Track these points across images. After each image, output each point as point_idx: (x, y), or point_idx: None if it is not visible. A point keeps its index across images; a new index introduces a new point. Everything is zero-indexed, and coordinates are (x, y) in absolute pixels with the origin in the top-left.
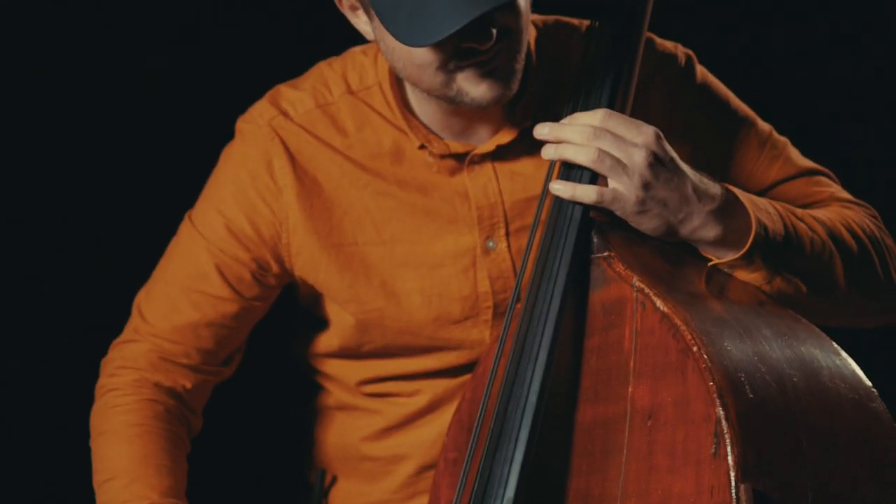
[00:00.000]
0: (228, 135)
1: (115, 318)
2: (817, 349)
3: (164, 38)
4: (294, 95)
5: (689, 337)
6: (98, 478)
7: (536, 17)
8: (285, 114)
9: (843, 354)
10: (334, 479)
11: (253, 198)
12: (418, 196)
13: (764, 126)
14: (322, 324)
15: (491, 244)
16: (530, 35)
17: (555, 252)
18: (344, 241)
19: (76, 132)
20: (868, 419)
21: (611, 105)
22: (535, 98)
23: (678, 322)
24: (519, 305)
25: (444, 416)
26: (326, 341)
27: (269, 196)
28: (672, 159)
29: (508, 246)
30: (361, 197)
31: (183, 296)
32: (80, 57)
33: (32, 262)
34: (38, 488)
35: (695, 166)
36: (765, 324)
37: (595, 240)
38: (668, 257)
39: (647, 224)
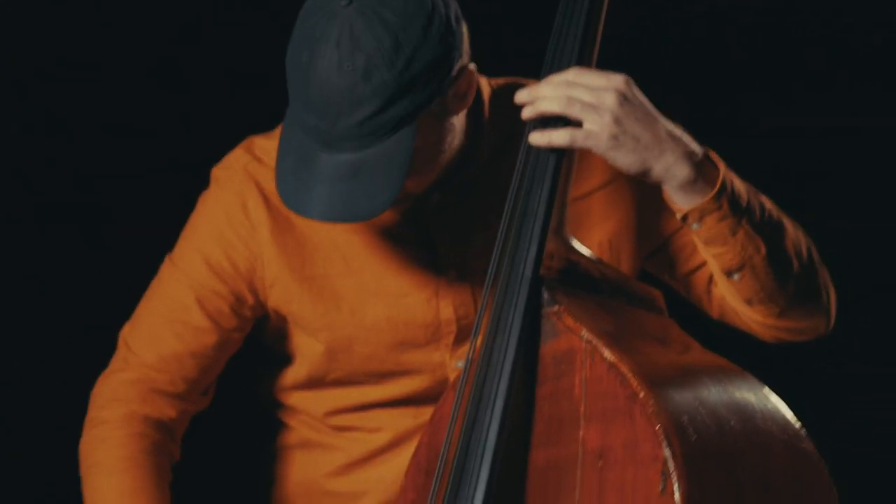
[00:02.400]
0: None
1: (115, 320)
2: (750, 394)
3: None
4: (267, 144)
5: (636, 384)
6: None
7: (492, 79)
8: (259, 160)
9: (774, 397)
10: None
11: (229, 236)
12: (384, 232)
13: None
14: (287, 358)
15: (452, 275)
16: (484, 96)
17: (508, 306)
18: (315, 274)
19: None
20: (798, 458)
21: (580, 63)
22: (489, 149)
23: (625, 370)
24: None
25: (404, 455)
26: (294, 373)
27: (245, 233)
28: (642, 103)
29: (469, 276)
30: (331, 233)
31: (167, 328)
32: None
33: (32, 262)
34: (37, 489)
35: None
36: (702, 371)
37: (545, 295)
38: (612, 311)
39: (623, 159)
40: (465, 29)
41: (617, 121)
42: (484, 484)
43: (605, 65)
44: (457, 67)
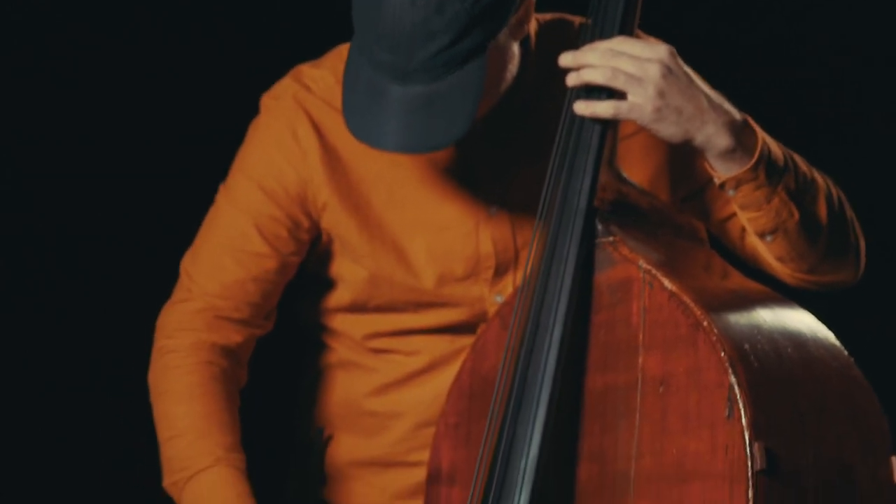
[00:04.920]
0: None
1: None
2: (800, 321)
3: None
4: (315, 73)
5: (699, 312)
6: (162, 435)
7: (538, 15)
8: (308, 88)
9: (823, 327)
10: (330, 437)
11: (280, 162)
12: (428, 165)
13: None
14: (332, 283)
15: (493, 210)
16: (531, 29)
17: (563, 237)
18: (361, 204)
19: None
20: (849, 385)
21: (622, 32)
22: (533, 84)
23: (686, 299)
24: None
25: (441, 378)
26: (337, 297)
27: (295, 160)
28: (686, 73)
29: (509, 212)
30: (376, 165)
31: (228, 256)
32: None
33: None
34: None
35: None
36: (753, 299)
37: (599, 226)
38: (662, 241)
39: (666, 131)
40: None
41: (661, 94)
42: (545, 406)
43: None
44: None
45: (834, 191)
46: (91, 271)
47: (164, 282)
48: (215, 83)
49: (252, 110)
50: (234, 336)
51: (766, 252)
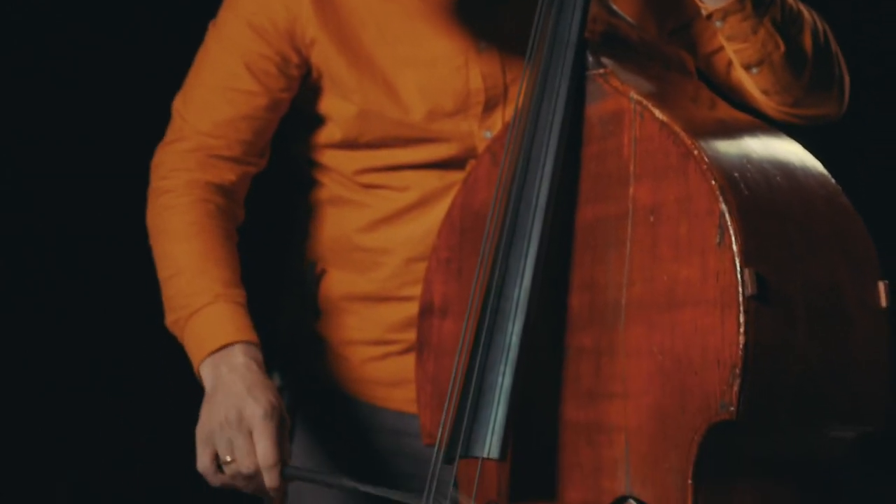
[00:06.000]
0: None
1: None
2: (788, 150)
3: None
4: None
5: (689, 141)
6: (162, 274)
7: None
8: None
9: (811, 156)
10: (324, 271)
11: (270, 0)
12: (419, 1)
13: None
14: (322, 120)
15: (482, 46)
16: None
17: (554, 71)
18: (350, 40)
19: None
20: (837, 212)
21: None
22: None
23: (677, 129)
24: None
25: (431, 214)
26: (328, 134)
27: None
28: None
29: (499, 47)
30: (367, 1)
31: (218, 95)
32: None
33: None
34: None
35: None
36: (741, 128)
37: (590, 58)
38: (652, 73)
39: None
40: None
41: None
42: (537, 239)
43: None
44: None
45: (820, 24)
46: (91, 271)
47: None
48: None
49: None
50: (228, 174)
51: (752, 85)
